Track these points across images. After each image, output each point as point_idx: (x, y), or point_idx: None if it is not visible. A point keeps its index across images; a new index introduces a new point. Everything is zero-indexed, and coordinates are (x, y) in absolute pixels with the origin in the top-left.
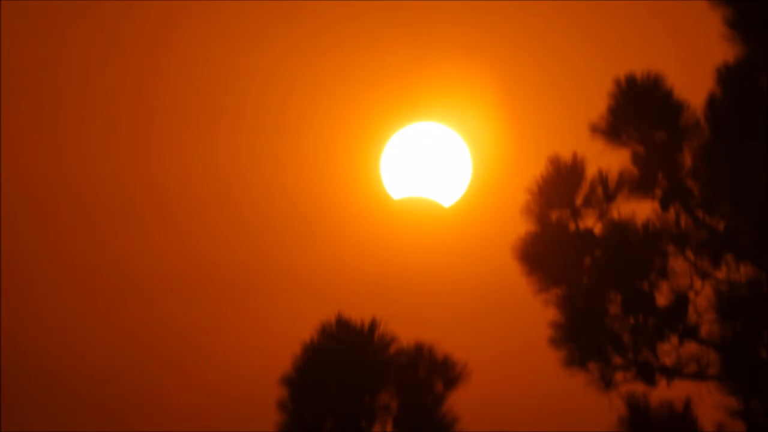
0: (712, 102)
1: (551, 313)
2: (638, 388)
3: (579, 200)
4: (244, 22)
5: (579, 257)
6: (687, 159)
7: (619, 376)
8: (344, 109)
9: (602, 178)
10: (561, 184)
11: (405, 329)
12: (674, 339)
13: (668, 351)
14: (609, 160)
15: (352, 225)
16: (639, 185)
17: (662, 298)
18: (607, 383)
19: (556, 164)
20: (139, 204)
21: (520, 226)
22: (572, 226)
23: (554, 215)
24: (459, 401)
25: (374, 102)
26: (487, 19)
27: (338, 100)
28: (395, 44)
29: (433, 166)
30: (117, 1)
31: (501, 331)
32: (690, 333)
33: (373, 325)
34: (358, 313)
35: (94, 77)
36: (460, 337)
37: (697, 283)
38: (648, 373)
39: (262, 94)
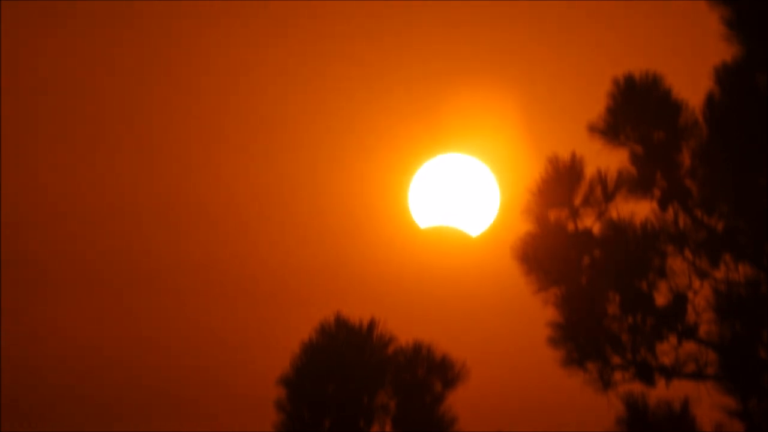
0: (710, 102)
1: (550, 313)
2: (637, 388)
3: (578, 200)
4: (277, 49)
5: (578, 257)
6: (685, 159)
7: (617, 375)
8: (373, 142)
9: (601, 178)
10: (560, 184)
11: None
12: (673, 339)
13: (667, 351)
14: (607, 160)
15: (380, 254)
16: (637, 185)
17: (661, 298)
18: (605, 383)
19: (554, 164)
20: (184, 208)
21: None
22: (571, 226)
23: (553, 215)
24: (458, 401)
25: (403, 134)
26: (508, 46)
27: (368, 132)
28: (425, 78)
29: (461, 196)
30: (117, 2)
31: (499, 331)
32: (689, 333)
33: (372, 325)
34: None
35: (94, 78)
36: (459, 337)
37: (696, 283)
38: (647, 373)
39: (293, 122)
